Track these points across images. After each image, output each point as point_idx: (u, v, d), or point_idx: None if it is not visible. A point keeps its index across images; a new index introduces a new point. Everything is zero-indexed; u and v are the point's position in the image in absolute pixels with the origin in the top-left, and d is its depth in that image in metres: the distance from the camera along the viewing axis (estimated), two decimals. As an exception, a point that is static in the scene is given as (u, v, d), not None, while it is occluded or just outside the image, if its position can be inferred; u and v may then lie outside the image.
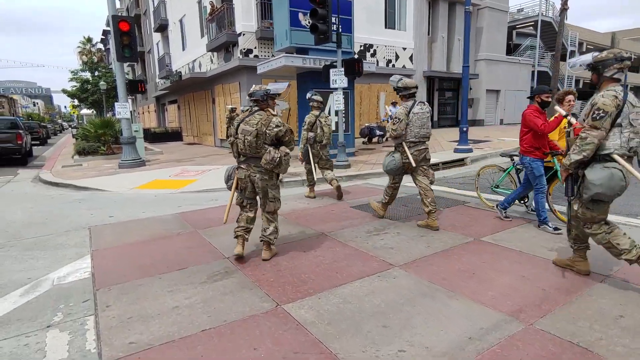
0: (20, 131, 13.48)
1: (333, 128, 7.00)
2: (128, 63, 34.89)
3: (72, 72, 31.92)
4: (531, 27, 28.01)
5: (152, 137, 21.92)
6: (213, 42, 15.56)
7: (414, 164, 4.49)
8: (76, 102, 34.98)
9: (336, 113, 11.33)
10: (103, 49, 48.14)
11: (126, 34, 10.46)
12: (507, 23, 23.19)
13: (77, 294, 3.20)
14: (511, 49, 26.77)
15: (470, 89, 21.88)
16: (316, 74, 10.52)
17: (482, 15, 21.41)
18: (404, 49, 18.30)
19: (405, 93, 4.54)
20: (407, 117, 4.45)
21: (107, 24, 50.85)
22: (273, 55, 14.01)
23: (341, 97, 9.08)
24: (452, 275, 3.30)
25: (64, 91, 32.80)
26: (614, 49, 2.88)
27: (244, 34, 13.91)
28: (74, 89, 32.26)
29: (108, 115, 23.07)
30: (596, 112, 2.73)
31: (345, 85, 9.04)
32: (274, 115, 3.51)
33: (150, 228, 5.08)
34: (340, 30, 8.98)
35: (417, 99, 4.58)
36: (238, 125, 3.58)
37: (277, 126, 3.45)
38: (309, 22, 10.44)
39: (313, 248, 4.07)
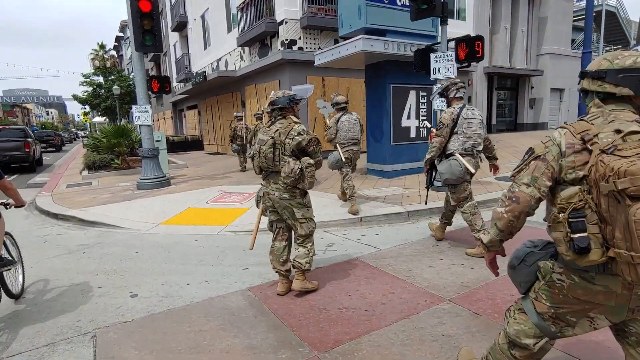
0: (29, 140, 13.35)
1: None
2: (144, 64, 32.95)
3: (84, 75, 29.77)
4: (589, 19, 25.14)
5: (170, 146, 19.57)
6: (245, 34, 13.16)
7: (343, 159, 5.50)
8: (88, 108, 32.92)
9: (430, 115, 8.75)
10: (116, 55, 46.23)
11: (147, 16, 8.08)
12: (573, 13, 20.35)
13: None
14: (566, 44, 23.88)
15: (532, 87, 19.11)
16: (394, 64, 7.98)
17: (546, 4, 18.63)
18: (464, 41, 15.67)
19: (338, 107, 5.72)
20: (336, 125, 5.56)
21: (121, 30, 49.35)
22: (319, 48, 11.53)
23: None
24: None
25: (75, 97, 30.61)
26: (450, 78, 4.28)
27: (286, 22, 11.46)
28: (86, 94, 30.14)
29: (122, 122, 20.83)
30: (439, 124, 3.85)
31: (454, 74, 6.42)
32: (296, 122, 3.00)
33: (217, 343, 2.51)
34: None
35: (348, 110, 5.71)
36: (255, 134, 3.35)
37: (299, 134, 2.92)
38: (388, -5, 7.94)
39: None
